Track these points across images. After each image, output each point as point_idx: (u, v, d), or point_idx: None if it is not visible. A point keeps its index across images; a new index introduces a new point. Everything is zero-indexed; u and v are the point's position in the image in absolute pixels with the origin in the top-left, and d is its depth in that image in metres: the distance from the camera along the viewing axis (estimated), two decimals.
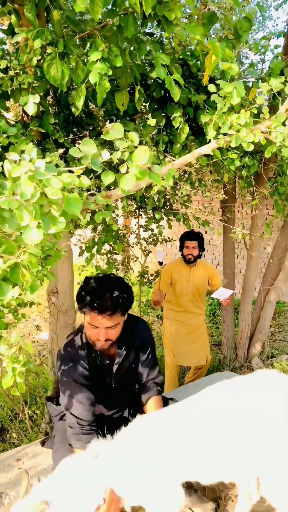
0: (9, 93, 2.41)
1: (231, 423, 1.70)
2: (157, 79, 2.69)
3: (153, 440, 1.68)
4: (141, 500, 1.67)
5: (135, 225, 4.48)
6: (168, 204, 3.54)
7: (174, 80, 2.06)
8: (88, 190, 1.92)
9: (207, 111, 2.43)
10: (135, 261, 5.00)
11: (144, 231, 4.42)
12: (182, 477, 1.70)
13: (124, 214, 4.57)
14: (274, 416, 1.70)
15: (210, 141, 1.94)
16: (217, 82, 1.80)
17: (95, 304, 1.82)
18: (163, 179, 1.96)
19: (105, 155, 1.00)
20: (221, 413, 1.74)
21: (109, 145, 1.58)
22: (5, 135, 2.37)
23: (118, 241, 3.72)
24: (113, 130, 0.98)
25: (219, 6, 3.12)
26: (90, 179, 1.34)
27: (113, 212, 4.25)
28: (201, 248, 3.77)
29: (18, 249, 1.02)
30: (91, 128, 2.91)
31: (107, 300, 1.82)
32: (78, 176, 0.99)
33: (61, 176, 0.94)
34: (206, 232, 7.43)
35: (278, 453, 1.66)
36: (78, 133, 2.86)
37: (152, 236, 4.31)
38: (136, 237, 4.43)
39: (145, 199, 3.22)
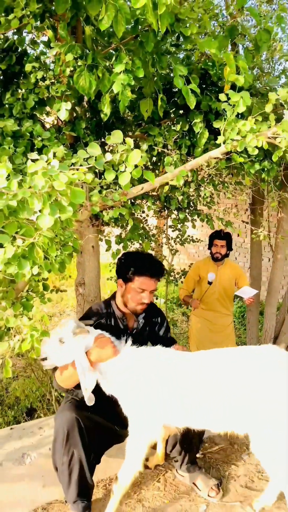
0: (45, 100, 2.67)
1: (227, 384, 1.93)
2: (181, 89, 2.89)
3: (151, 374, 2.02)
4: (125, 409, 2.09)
5: (164, 225, 4.68)
6: (192, 205, 3.72)
7: (191, 89, 2.25)
8: (107, 187, 2.15)
9: (225, 117, 2.61)
10: (163, 260, 5.19)
11: (172, 231, 4.61)
12: (164, 418, 2.03)
13: (154, 215, 4.78)
14: (267, 384, 1.88)
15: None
16: (226, 92, 1.98)
17: (155, 269, 2.23)
18: (173, 180, 2.16)
19: (108, 156, 1.21)
20: (220, 374, 1.98)
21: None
22: (39, 139, 2.63)
23: (146, 240, 3.93)
24: (114, 137, 1.20)
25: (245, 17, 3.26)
26: (100, 177, 1.56)
27: (143, 212, 4.48)
28: (229, 247, 3.94)
29: (35, 232, 1.25)
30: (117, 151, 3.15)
31: (162, 266, 2.29)
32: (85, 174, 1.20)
33: (69, 173, 1.16)
34: (238, 235, 7.53)
35: (267, 414, 1.84)
36: (108, 134, 3.09)
37: (179, 236, 4.49)
38: (165, 237, 4.63)
39: (170, 200, 3.41)
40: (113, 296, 2.43)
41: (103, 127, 3.11)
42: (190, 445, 2.38)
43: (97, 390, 2.18)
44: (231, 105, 2.01)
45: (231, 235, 3.96)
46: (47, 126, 3.15)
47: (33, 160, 1.21)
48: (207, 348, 4.05)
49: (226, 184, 3.47)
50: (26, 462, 2.15)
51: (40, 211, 1.16)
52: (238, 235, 7.47)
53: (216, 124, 2.18)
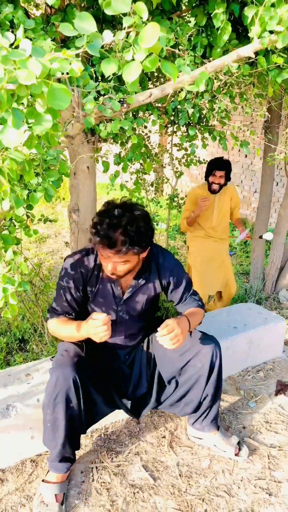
0: None
1: None
2: None
3: None
4: None
5: (169, 143, 4.19)
6: (204, 120, 3.22)
7: None
8: (105, 94, 1.69)
9: (256, 3, 2.07)
10: (166, 182, 4.75)
11: (177, 150, 4.13)
12: None
13: (158, 132, 4.26)
14: None
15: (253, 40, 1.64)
16: None
17: (104, 239, 1.66)
18: (193, 84, 1.69)
19: (107, 36, 0.78)
20: None
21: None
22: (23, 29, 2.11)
23: (148, 160, 3.48)
24: (118, 1, 0.75)
25: None
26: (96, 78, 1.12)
27: (145, 127, 3.97)
28: (228, 177, 3.56)
29: None
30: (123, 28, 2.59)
31: (119, 237, 1.66)
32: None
33: (46, 60, 0.74)
34: (246, 156, 7.00)
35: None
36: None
37: (185, 156, 4.02)
38: (169, 157, 4.16)
39: (179, 113, 2.92)
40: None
41: (101, 20, 2.55)
42: (216, 395, 2.05)
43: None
44: None
45: (231, 164, 3.55)
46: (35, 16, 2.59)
47: None
48: (207, 279, 3.85)
49: (244, 96, 2.97)
50: (12, 415, 1.91)
51: (2, 121, 0.75)
52: (246, 156, 6.96)
53: (248, 11, 1.67)
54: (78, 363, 1.79)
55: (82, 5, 2.57)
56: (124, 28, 0.77)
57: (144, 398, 2.08)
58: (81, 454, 2.08)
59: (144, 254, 1.83)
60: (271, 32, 1.56)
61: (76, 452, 1.94)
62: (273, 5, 1.60)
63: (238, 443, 2.12)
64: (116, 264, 1.75)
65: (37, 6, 2.82)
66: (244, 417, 2.37)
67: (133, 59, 0.77)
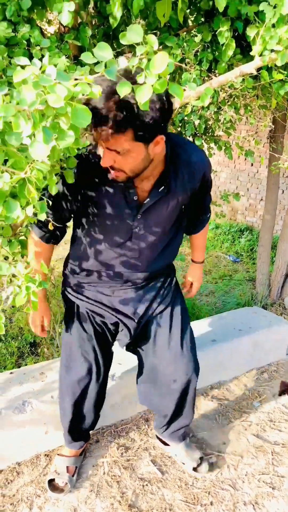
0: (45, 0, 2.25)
1: None
2: None
3: None
4: None
5: None
6: (210, 130, 3.35)
7: None
8: None
9: (257, 24, 2.19)
10: None
11: None
12: None
13: None
14: None
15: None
16: None
17: (92, 110, 1.16)
18: (198, 99, 1.81)
19: (122, 61, 0.90)
20: None
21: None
22: (38, 48, 2.25)
23: None
24: (131, 33, 0.87)
25: None
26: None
27: None
28: None
29: (27, 165, 0.97)
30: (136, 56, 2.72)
31: (111, 107, 1.16)
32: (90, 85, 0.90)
33: (70, 84, 0.86)
34: (252, 165, 7.11)
35: None
36: (117, 48, 2.68)
37: None
38: None
39: (185, 124, 3.05)
40: None
41: (112, 36, 2.68)
42: (184, 411, 2.00)
43: None
44: (272, 6, 1.62)
45: None
46: (49, 34, 2.73)
47: (23, 67, 0.91)
48: None
49: (249, 107, 3.09)
50: (27, 410, 2.01)
51: (31, 136, 0.87)
52: (252, 165, 7.07)
53: (250, 31, 1.79)
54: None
55: (93, 22, 2.71)
56: (137, 56, 0.88)
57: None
58: (92, 449, 2.18)
59: (158, 147, 1.34)
60: (271, 50, 1.68)
61: (89, 442, 2.13)
62: (273, 25, 1.72)
63: (201, 459, 2.07)
64: (112, 154, 1.31)
65: (49, 22, 2.96)
66: (249, 416, 2.45)
67: (144, 83, 0.89)
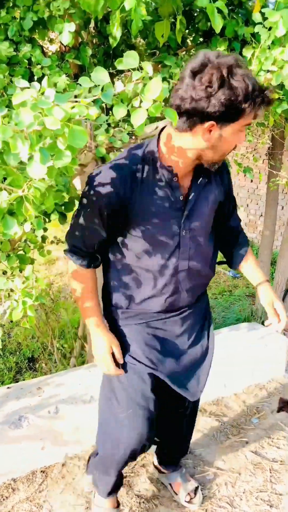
0: (46, 20, 2.30)
1: None
2: (204, 9, 2.49)
3: None
4: None
5: None
6: None
7: (218, 9, 1.88)
8: (116, 126, 1.85)
9: (254, 45, 2.24)
10: None
11: None
12: None
13: None
14: None
15: None
16: (263, 10, 1.63)
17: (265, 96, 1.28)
18: None
19: (119, 86, 0.93)
20: None
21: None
22: (39, 66, 2.30)
23: None
24: (128, 59, 0.90)
25: None
26: (108, 113, 1.27)
27: None
28: None
29: (25, 183, 0.99)
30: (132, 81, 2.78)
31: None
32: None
33: (67, 106, 0.89)
34: (252, 181, 7.17)
35: None
36: (117, 67, 2.73)
37: None
38: None
39: None
40: (153, 145, 1.37)
41: (112, 55, 2.74)
42: (185, 442, 1.99)
43: None
44: (267, 28, 1.67)
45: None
46: (51, 53, 2.79)
47: (23, 89, 0.93)
48: None
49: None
50: (24, 425, 2.01)
51: (29, 157, 0.89)
52: (252, 181, 7.12)
53: (246, 52, 1.84)
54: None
55: (94, 41, 2.77)
56: (133, 81, 0.91)
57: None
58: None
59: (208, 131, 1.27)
60: (267, 70, 1.72)
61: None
62: (269, 46, 1.76)
63: (196, 489, 1.99)
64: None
65: (51, 41, 3.02)
66: (247, 433, 2.44)
67: (140, 106, 0.92)
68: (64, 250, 1.49)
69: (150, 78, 0.90)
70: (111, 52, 2.69)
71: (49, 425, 2.06)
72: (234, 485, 2.09)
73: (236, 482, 2.11)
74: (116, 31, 2.02)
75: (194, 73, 1.17)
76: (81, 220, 1.39)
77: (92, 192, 1.33)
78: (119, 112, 0.94)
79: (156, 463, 2.09)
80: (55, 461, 2.14)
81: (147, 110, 0.90)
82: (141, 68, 0.90)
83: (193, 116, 1.21)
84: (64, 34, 2.13)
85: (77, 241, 1.44)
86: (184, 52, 2.77)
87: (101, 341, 1.52)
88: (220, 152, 1.34)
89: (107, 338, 1.52)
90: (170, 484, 2.03)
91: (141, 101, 0.91)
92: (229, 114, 1.22)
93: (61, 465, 2.15)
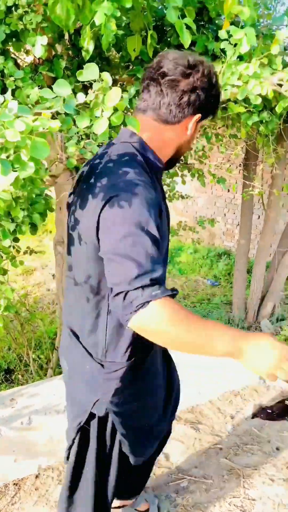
0: (19, 33, 2.32)
1: None
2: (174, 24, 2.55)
3: None
4: None
5: None
6: (182, 158, 3.45)
7: (186, 25, 1.94)
8: (87, 137, 1.88)
9: (223, 60, 2.31)
10: None
11: None
12: None
13: None
14: None
15: None
16: (228, 28, 1.69)
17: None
18: None
19: (80, 97, 0.95)
20: None
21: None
22: (12, 78, 2.32)
23: None
24: (87, 71, 0.93)
25: None
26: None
27: None
28: None
29: None
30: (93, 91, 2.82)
31: None
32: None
33: (30, 119, 0.91)
34: (228, 191, 7.27)
35: None
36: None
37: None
38: None
39: None
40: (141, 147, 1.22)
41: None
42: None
43: None
44: (232, 44, 1.72)
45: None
46: (24, 65, 2.81)
47: None
48: None
49: (220, 137, 3.20)
50: None
51: None
52: (228, 191, 7.23)
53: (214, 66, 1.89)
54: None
55: (69, 53, 2.80)
56: (93, 92, 0.95)
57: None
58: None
59: None
60: (233, 85, 1.77)
61: None
62: (239, 59, 1.83)
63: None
64: None
65: (27, 52, 3.05)
66: (222, 439, 2.46)
67: (101, 116, 0.95)
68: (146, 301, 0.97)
69: (110, 88, 0.93)
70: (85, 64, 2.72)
71: (22, 437, 2.05)
72: (208, 492, 2.11)
73: (210, 488, 2.13)
74: (87, 45, 2.05)
75: (190, 67, 1.19)
76: (152, 230, 1.03)
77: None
78: (83, 122, 0.97)
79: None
80: (28, 473, 2.12)
81: (108, 119, 0.93)
82: (102, 80, 0.93)
83: (188, 107, 1.21)
84: (37, 47, 2.15)
85: (155, 260, 1.02)
86: None
87: (269, 342, 1.03)
88: (189, 146, 1.34)
89: (272, 338, 1.05)
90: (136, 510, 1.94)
91: (102, 111, 0.94)
92: (212, 108, 1.27)
93: (35, 476, 2.13)
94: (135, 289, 0.97)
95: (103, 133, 1.02)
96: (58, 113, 1.12)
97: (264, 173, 5.35)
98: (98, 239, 1.10)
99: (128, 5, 1.87)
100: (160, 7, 2.55)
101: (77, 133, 1.69)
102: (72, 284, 1.30)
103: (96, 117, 0.98)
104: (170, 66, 1.20)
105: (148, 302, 0.96)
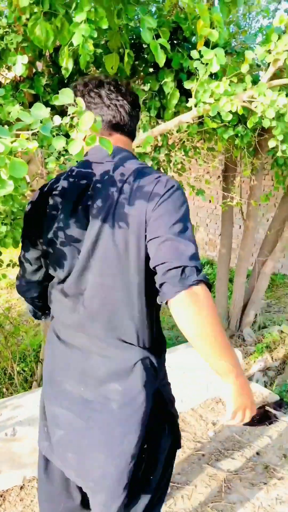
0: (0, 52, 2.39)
1: None
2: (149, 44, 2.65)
3: None
4: None
5: None
6: (162, 171, 3.53)
7: (161, 45, 2.02)
8: (67, 153, 1.94)
9: (197, 77, 2.40)
10: None
11: None
12: None
13: None
14: None
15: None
16: (200, 49, 1.78)
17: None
18: (140, 146, 1.97)
19: (57, 120, 1.02)
20: None
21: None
22: None
23: None
24: (63, 96, 1.00)
25: None
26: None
27: None
28: None
29: None
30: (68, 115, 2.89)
31: None
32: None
33: (8, 140, 0.97)
34: (210, 201, 7.39)
35: None
36: None
37: None
38: None
39: None
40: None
41: (66, 85, 2.85)
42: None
43: None
44: (203, 63, 1.81)
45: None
46: (6, 82, 2.87)
47: None
48: None
49: (198, 150, 3.29)
50: None
51: None
52: (210, 201, 7.35)
53: (187, 85, 1.98)
54: None
55: (50, 71, 2.87)
56: (69, 115, 1.01)
57: None
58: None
59: None
60: (205, 102, 1.86)
61: None
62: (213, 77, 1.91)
63: None
64: None
65: (9, 68, 3.11)
66: (204, 446, 2.51)
67: (76, 137, 1.01)
68: (199, 280, 1.05)
69: (84, 111, 1.00)
70: (65, 81, 2.80)
71: (6, 448, 2.07)
72: (190, 497, 2.15)
73: (192, 494, 2.17)
74: (66, 64, 2.12)
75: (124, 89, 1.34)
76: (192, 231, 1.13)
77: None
78: (59, 144, 1.03)
79: None
80: (13, 484, 2.14)
81: (83, 140, 1.00)
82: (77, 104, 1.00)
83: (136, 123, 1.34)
84: (18, 65, 2.21)
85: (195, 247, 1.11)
86: (135, 82, 2.92)
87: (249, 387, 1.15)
88: None
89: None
90: None
91: (77, 133, 1.00)
92: None
93: (19, 487, 2.15)
94: (193, 266, 1.04)
95: (78, 153, 1.09)
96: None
97: (245, 183, 5.47)
98: (145, 237, 1.12)
99: (105, 26, 1.95)
100: (137, 25, 2.65)
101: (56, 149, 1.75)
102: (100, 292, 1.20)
103: (71, 138, 1.05)
104: None
105: (201, 281, 1.04)
